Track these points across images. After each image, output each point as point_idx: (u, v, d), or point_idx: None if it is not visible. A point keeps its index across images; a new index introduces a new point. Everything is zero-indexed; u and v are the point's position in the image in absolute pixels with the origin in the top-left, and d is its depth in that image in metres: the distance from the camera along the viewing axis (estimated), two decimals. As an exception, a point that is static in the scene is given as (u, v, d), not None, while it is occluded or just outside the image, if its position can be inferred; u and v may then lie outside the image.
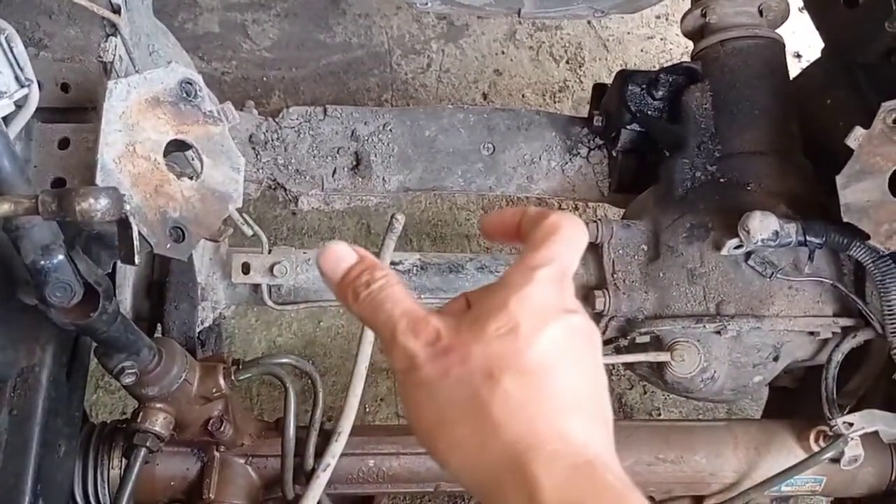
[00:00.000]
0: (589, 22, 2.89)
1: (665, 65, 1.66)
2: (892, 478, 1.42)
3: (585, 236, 0.66)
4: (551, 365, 0.60)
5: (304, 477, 1.27)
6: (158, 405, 1.14)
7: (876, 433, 1.35)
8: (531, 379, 0.59)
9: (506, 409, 0.58)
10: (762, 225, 1.29)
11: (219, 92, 1.38)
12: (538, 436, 0.58)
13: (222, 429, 1.21)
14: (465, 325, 0.61)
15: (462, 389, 0.59)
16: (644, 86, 1.56)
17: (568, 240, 0.64)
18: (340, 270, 0.67)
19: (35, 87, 0.97)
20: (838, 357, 1.38)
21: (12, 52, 0.93)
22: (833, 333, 1.40)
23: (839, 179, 1.26)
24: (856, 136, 1.26)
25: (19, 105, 0.97)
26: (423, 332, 0.61)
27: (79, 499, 1.22)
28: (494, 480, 0.58)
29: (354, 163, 1.63)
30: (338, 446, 1.25)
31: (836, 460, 1.36)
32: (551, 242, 0.64)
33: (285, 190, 1.62)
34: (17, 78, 0.95)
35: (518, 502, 0.56)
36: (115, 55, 1.13)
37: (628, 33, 2.94)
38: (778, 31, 1.62)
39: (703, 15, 1.61)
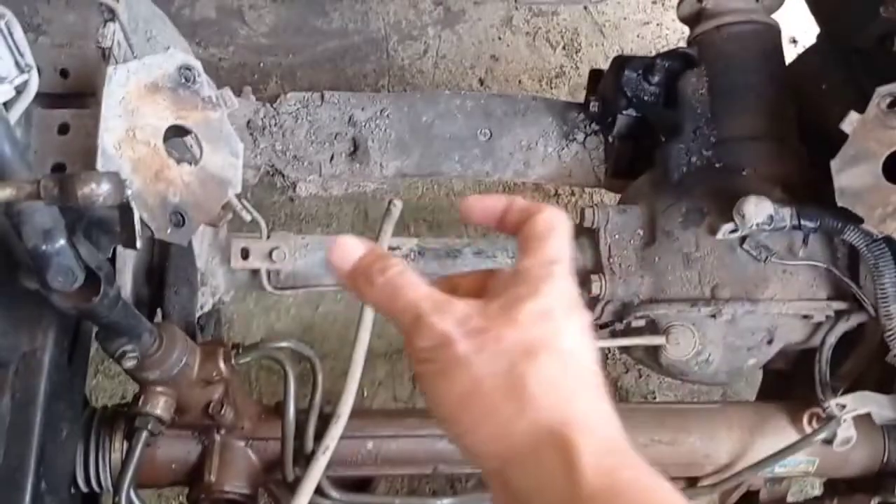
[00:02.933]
0: (585, 7, 2.89)
1: (662, 50, 1.67)
2: (885, 459, 1.44)
3: (572, 229, 0.69)
4: (580, 350, 0.63)
5: (304, 459, 1.28)
6: (159, 389, 1.15)
7: (868, 415, 1.37)
8: (565, 359, 0.62)
9: (543, 382, 0.60)
10: (757, 209, 1.30)
11: (216, 78, 1.38)
12: (575, 410, 0.60)
13: (223, 412, 1.22)
14: (495, 309, 0.63)
15: (499, 362, 0.61)
16: (640, 71, 1.57)
17: (566, 235, 0.67)
18: (351, 260, 0.68)
19: (35, 72, 0.97)
20: (832, 340, 1.40)
21: (12, 37, 0.94)
22: (827, 317, 1.41)
23: (834, 164, 1.27)
24: (850, 121, 1.26)
25: (19, 91, 0.97)
26: (451, 312, 0.63)
27: (81, 482, 1.23)
28: (529, 448, 0.59)
29: (352, 149, 1.63)
30: (337, 429, 1.26)
31: (828, 442, 1.37)
32: (555, 238, 0.66)
33: (283, 176, 1.63)
34: (16, 63, 0.95)
35: (557, 466, 0.58)
36: (113, 41, 1.13)
37: (625, 19, 2.94)
38: (774, 16, 1.63)
39: (700, 0, 1.62)
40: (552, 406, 0.60)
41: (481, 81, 2.77)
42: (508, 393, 0.60)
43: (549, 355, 0.61)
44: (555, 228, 0.67)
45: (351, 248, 0.68)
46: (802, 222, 1.32)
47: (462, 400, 0.62)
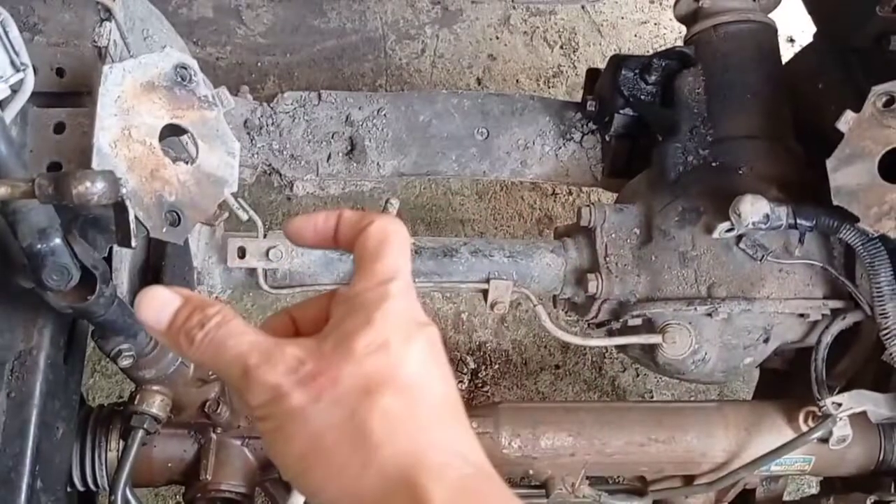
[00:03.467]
0: (583, 7, 2.89)
1: (659, 49, 1.67)
2: (881, 457, 1.44)
3: (409, 238, 0.65)
4: (424, 378, 0.59)
5: (300, 458, 1.28)
6: (155, 387, 1.15)
7: (864, 413, 1.37)
8: (409, 393, 0.57)
9: (387, 425, 0.56)
10: (753, 208, 1.30)
11: (213, 77, 1.38)
12: (424, 449, 0.56)
13: (219, 411, 1.22)
14: (327, 348, 0.58)
15: (337, 411, 0.56)
16: (637, 71, 1.57)
17: (401, 246, 0.63)
18: (167, 316, 0.61)
19: (30, 71, 0.98)
20: (828, 339, 1.40)
21: (8, 36, 0.94)
22: (823, 315, 1.41)
23: (829, 163, 1.27)
24: (846, 120, 1.26)
25: (15, 89, 0.98)
26: (280, 361, 0.57)
27: (77, 481, 1.23)
28: (381, 501, 0.55)
29: (349, 148, 1.63)
30: (333, 428, 1.26)
31: (824, 440, 1.37)
32: (389, 252, 0.62)
33: (280, 175, 1.63)
34: (12, 62, 0.95)
35: None
36: (109, 40, 1.13)
37: (622, 18, 2.94)
38: (771, 15, 1.63)
39: (696, 0, 1.62)
40: (400, 450, 0.55)
41: (479, 81, 2.77)
42: (352, 443, 0.56)
43: (390, 392, 0.56)
44: (386, 241, 0.62)
45: (162, 302, 0.62)
46: (798, 221, 1.32)
47: (305, 458, 0.57)
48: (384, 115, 1.65)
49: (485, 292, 1.46)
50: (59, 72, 1.15)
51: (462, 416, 0.60)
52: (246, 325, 0.60)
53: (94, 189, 0.76)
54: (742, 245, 1.38)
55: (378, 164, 1.63)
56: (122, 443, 1.22)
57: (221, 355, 0.59)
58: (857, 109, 1.26)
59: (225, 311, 0.61)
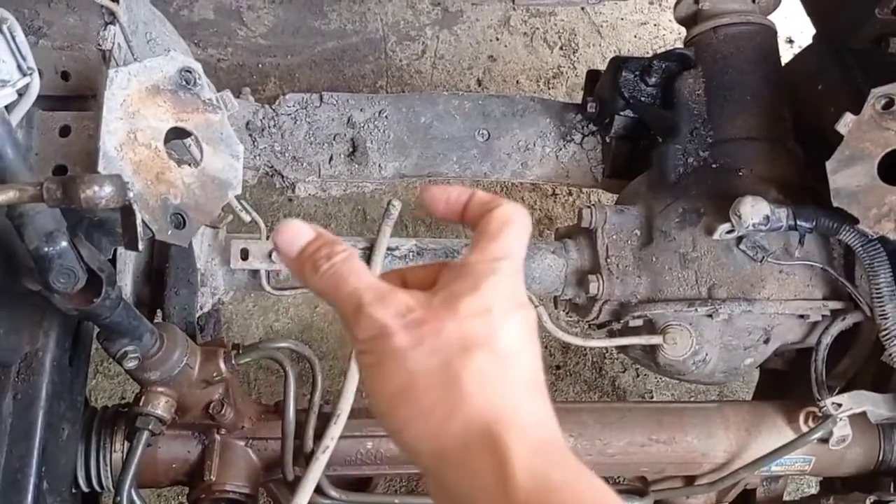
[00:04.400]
0: (583, 8, 2.90)
1: (659, 51, 1.68)
2: (880, 458, 1.45)
3: (530, 227, 0.68)
4: (519, 349, 0.62)
5: (304, 459, 1.29)
6: (160, 389, 1.15)
7: (864, 414, 1.38)
8: (502, 359, 0.61)
9: (478, 381, 0.59)
10: (753, 210, 1.31)
11: (215, 79, 1.39)
12: (509, 409, 0.59)
13: (223, 412, 1.22)
14: (436, 302, 0.62)
15: (435, 358, 0.60)
16: (637, 72, 1.58)
17: (522, 233, 0.66)
18: (298, 245, 0.66)
19: (36, 75, 0.98)
20: (828, 339, 1.40)
21: (14, 40, 0.94)
22: (823, 316, 1.42)
23: (829, 164, 1.28)
24: (845, 122, 1.27)
25: (21, 93, 0.98)
26: (392, 303, 0.62)
27: (82, 482, 1.24)
28: (461, 447, 0.58)
29: (351, 149, 1.64)
30: (336, 429, 1.27)
31: (824, 440, 1.38)
32: (508, 235, 0.65)
33: (282, 177, 1.64)
34: (19, 67, 0.96)
35: (487, 467, 0.57)
36: (114, 43, 1.14)
37: (622, 19, 2.95)
38: (771, 16, 1.64)
39: (696, 1, 1.62)
40: (485, 405, 0.59)
41: (479, 82, 2.77)
42: (443, 390, 0.59)
43: (486, 353, 0.60)
44: (509, 224, 0.65)
45: (298, 232, 0.67)
46: (798, 223, 1.33)
47: (397, 395, 0.61)
48: (385, 116, 1.65)
49: (486, 293, 1.47)
50: (65, 75, 1.15)
51: (545, 395, 0.63)
52: (367, 267, 0.65)
53: (102, 193, 0.76)
54: (742, 246, 1.39)
55: (379, 165, 1.64)
56: (126, 444, 1.22)
57: (341, 287, 0.63)
58: (857, 111, 1.27)
59: (351, 251, 0.66)
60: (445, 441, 0.59)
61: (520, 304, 0.64)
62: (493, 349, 0.61)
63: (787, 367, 1.61)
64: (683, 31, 1.69)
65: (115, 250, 1.18)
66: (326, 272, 0.64)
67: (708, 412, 1.47)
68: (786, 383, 1.63)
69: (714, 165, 1.50)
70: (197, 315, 1.38)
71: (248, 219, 1.31)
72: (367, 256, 1.42)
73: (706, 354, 1.40)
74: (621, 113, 1.58)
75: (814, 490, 1.79)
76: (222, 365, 1.20)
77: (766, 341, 1.43)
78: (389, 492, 1.95)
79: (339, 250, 0.65)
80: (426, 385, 0.60)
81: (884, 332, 1.32)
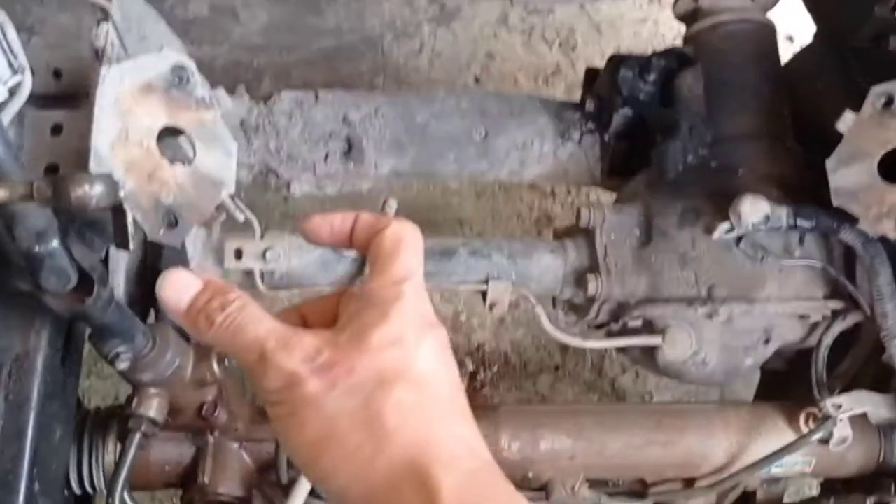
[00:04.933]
0: (581, 5, 2.89)
1: (658, 48, 1.67)
2: (881, 458, 1.44)
3: (422, 242, 0.68)
4: (436, 374, 0.61)
5: (299, 461, 1.28)
6: (153, 390, 1.14)
7: (864, 415, 1.37)
8: (421, 387, 0.59)
9: (400, 415, 0.58)
10: (753, 209, 1.30)
11: (210, 76, 1.38)
12: (435, 440, 0.58)
13: (216, 413, 1.21)
14: (344, 339, 0.60)
15: (352, 399, 0.58)
16: (636, 70, 1.56)
17: (417, 250, 0.66)
18: (186, 299, 0.63)
19: (28, 73, 0.97)
20: (828, 340, 1.40)
21: (6, 38, 0.93)
22: (823, 316, 1.41)
23: (829, 163, 1.27)
24: (845, 121, 1.26)
25: (12, 92, 0.97)
26: (298, 348, 0.59)
27: (74, 484, 1.23)
28: (390, 487, 0.57)
29: (346, 148, 1.62)
30: (332, 430, 1.25)
31: (825, 441, 1.37)
32: (404, 255, 0.65)
33: (277, 175, 1.62)
34: (10, 65, 0.95)
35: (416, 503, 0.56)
36: (106, 41, 1.12)
37: (621, 16, 2.94)
38: (770, 14, 1.63)
39: (695, -1, 1.62)
40: (410, 439, 0.57)
41: (477, 79, 2.76)
42: (366, 430, 0.57)
43: (404, 383, 0.59)
44: (402, 243, 0.65)
45: (183, 284, 0.64)
46: (798, 222, 1.32)
47: (318, 443, 0.59)
48: (382, 114, 1.64)
49: (483, 293, 1.46)
50: (57, 73, 1.14)
51: (468, 413, 0.63)
52: (264, 311, 0.62)
53: (92, 192, 0.75)
54: (742, 246, 1.38)
55: (376, 163, 1.63)
56: (119, 446, 1.21)
57: (240, 339, 0.61)
58: (857, 109, 1.26)
59: (244, 297, 0.63)
60: (374, 482, 0.57)
61: (430, 325, 0.63)
62: (410, 378, 0.59)
63: (787, 368, 1.60)
64: (683, 28, 1.69)
65: (108, 250, 1.17)
66: (222, 325, 0.61)
67: (708, 413, 1.46)
68: (786, 384, 1.62)
69: (713, 164, 1.49)
70: (191, 315, 1.37)
71: (242, 218, 1.30)
72: (363, 256, 1.40)
73: (706, 355, 1.39)
74: (620, 111, 1.57)
75: (814, 492, 1.77)
76: (216, 366, 1.19)
77: (767, 342, 1.42)
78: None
79: (233, 298, 0.62)
80: (347, 428, 0.58)
81: (884, 333, 1.31)
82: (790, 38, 2.56)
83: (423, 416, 0.59)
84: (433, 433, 0.58)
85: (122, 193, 0.97)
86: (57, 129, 1.10)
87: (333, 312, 0.65)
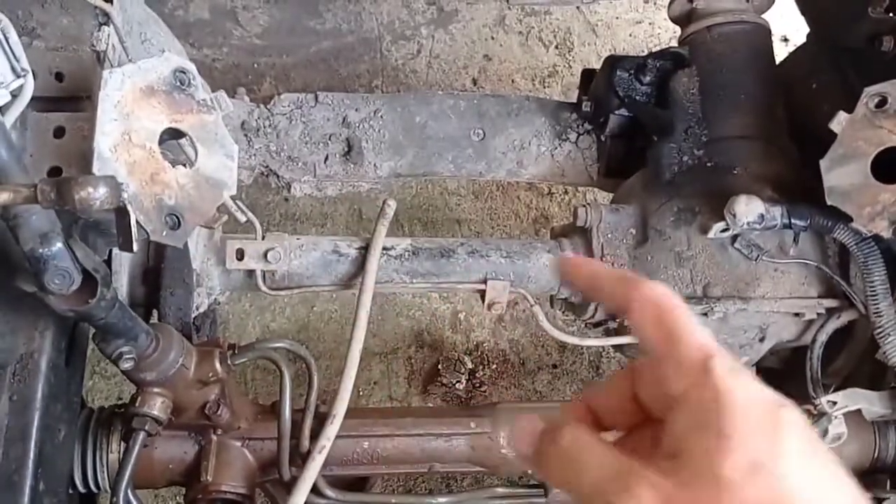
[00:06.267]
0: (578, 7, 2.90)
1: (654, 49, 1.68)
2: (875, 455, 1.45)
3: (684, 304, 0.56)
4: (813, 486, 0.47)
5: (300, 459, 1.29)
6: (156, 389, 1.15)
7: (859, 411, 1.38)
8: None
9: None
10: (748, 208, 1.31)
11: (210, 79, 1.39)
12: None
13: (219, 412, 1.22)
14: (687, 476, 0.48)
15: None
16: (632, 71, 1.58)
17: (687, 313, 0.54)
18: (533, 437, 0.57)
19: (30, 76, 0.98)
20: (823, 338, 1.41)
21: (7, 42, 0.94)
22: (818, 314, 1.42)
23: (823, 163, 1.28)
24: (839, 121, 1.27)
25: (15, 95, 0.98)
26: (641, 495, 0.48)
27: (78, 483, 1.24)
28: None
29: (346, 149, 1.64)
30: (333, 429, 1.27)
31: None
32: (683, 327, 0.53)
33: (278, 176, 1.63)
34: (12, 68, 0.96)
35: None
36: (108, 44, 1.14)
37: (617, 18, 2.95)
38: (765, 14, 1.64)
39: (690, 0, 1.63)
40: None
41: (474, 81, 2.78)
42: None
43: None
44: (670, 312, 0.53)
45: (529, 427, 0.57)
46: (793, 221, 1.33)
47: None
48: (381, 116, 1.65)
49: (482, 292, 1.47)
50: (59, 76, 1.15)
51: None
52: (600, 443, 0.54)
53: (96, 194, 0.76)
54: (737, 245, 1.39)
55: (375, 165, 1.64)
56: (123, 444, 1.22)
57: (579, 478, 0.53)
58: (850, 110, 1.27)
59: (580, 428, 0.55)
60: None
61: (775, 413, 0.48)
62: None
63: (782, 366, 1.61)
64: (678, 29, 1.70)
65: (111, 251, 1.18)
66: (558, 456, 0.54)
67: (704, 410, 1.47)
68: (781, 381, 1.63)
69: (709, 164, 1.50)
70: (193, 315, 1.38)
71: (243, 219, 1.31)
72: (364, 256, 1.42)
73: (701, 353, 1.40)
74: (616, 112, 1.58)
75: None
76: (218, 365, 1.20)
77: (762, 340, 1.43)
78: (386, 491, 1.95)
79: (567, 431, 0.54)
80: None
81: (878, 330, 1.32)
82: (785, 39, 2.58)
83: None
84: None
85: (125, 195, 0.98)
86: (59, 132, 1.11)
87: (629, 400, 0.57)
